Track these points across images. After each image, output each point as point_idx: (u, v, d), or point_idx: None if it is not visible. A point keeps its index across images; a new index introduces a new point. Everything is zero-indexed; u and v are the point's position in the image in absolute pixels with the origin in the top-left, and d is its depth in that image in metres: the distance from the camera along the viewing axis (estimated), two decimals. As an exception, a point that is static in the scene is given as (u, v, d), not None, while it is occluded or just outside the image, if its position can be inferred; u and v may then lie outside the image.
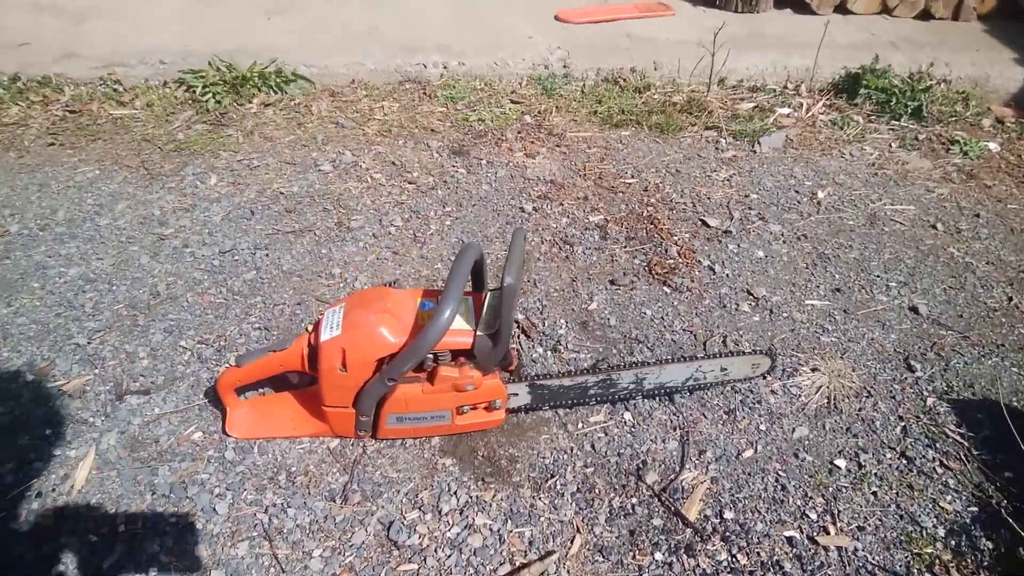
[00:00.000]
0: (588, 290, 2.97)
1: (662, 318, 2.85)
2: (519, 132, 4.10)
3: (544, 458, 2.27)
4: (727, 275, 3.10)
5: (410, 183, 3.63)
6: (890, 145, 4.18)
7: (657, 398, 2.47)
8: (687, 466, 2.26)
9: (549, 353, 2.66)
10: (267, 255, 3.10)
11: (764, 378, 2.54)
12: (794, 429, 2.41)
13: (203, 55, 4.39)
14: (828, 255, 3.26)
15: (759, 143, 4.07)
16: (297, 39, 4.63)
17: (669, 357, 2.31)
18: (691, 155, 3.99)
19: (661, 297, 2.96)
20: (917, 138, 4.25)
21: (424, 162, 3.79)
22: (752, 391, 2.53)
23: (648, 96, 4.42)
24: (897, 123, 4.34)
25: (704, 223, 3.43)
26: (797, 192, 3.72)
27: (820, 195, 3.69)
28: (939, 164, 4.04)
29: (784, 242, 3.34)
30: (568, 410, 2.43)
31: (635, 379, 2.30)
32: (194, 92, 4.23)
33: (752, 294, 3.00)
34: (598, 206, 3.51)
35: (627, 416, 2.42)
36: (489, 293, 2.21)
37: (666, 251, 3.22)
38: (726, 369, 2.35)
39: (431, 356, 2.11)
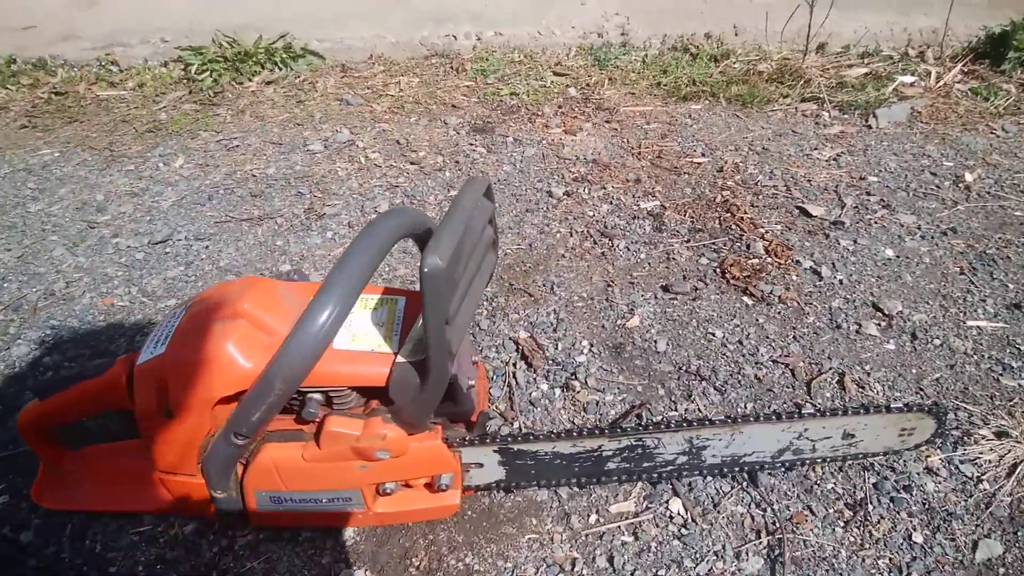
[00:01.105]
0: (628, 299, 1.93)
1: (740, 342, 1.77)
2: (560, 107, 3.10)
3: (524, 578, 1.25)
4: (841, 281, 1.99)
5: (412, 164, 2.69)
6: (1058, 120, 2.94)
7: (729, 475, 1.41)
8: (781, 609, 1.18)
9: (558, 392, 1.64)
10: (206, 247, 2.22)
11: (916, 449, 1.42)
12: (975, 543, 1.29)
13: (209, 31, 3.65)
14: (991, 256, 2.09)
15: (875, 116, 2.92)
16: (314, 9, 3.81)
17: (751, 415, 1.23)
18: (783, 131, 2.88)
19: (739, 311, 1.88)
20: (1096, 111, 2.99)
21: (436, 140, 2.86)
22: (895, 468, 1.42)
23: (726, 65, 3.34)
24: (1065, 94, 3.09)
25: (804, 212, 2.32)
26: (934, 175, 2.55)
27: (968, 178, 2.50)
28: None
29: (923, 238, 2.19)
30: (573, 488, 1.40)
31: (688, 448, 1.24)
32: (190, 71, 3.48)
33: (881, 310, 1.87)
34: (653, 190, 2.46)
35: (675, 506, 1.36)
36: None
37: (748, 247, 2.13)
38: (853, 436, 1.26)
39: (316, 398, 1.14)
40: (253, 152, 2.84)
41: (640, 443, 1.22)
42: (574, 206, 2.37)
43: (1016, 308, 1.87)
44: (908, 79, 3.18)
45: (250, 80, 3.44)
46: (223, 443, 1.12)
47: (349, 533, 1.32)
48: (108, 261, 2.19)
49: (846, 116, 2.98)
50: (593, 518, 1.34)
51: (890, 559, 1.26)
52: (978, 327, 1.81)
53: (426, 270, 0.93)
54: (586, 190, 2.46)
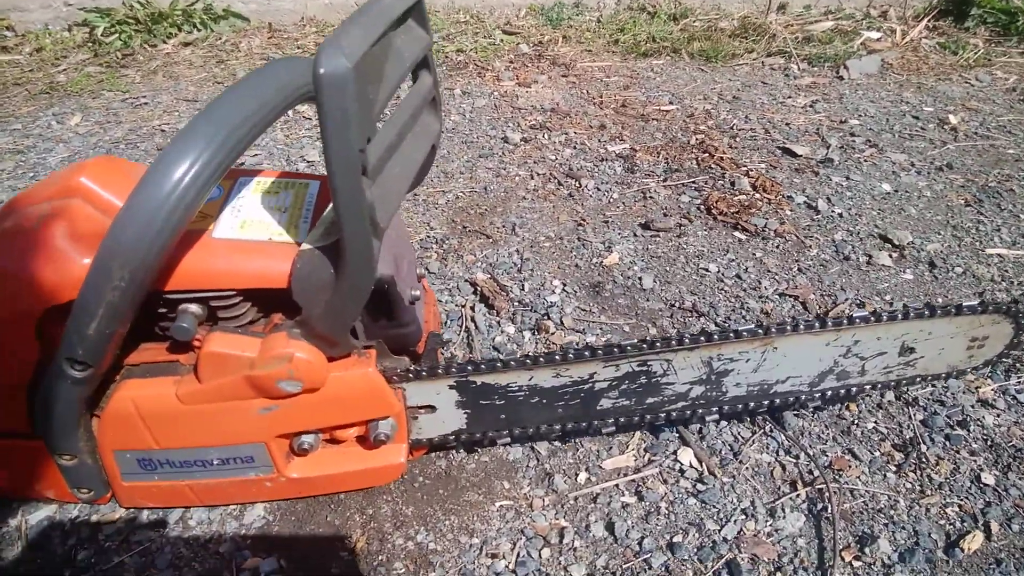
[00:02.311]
0: (604, 238, 1.63)
1: (738, 276, 1.49)
2: (511, 62, 2.81)
3: (496, 558, 0.92)
4: (840, 215, 1.73)
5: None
6: (1028, 71, 2.80)
7: (747, 419, 1.12)
8: (836, 573, 0.89)
9: (527, 335, 1.32)
10: (98, 200, 1.84)
11: (973, 373, 1.16)
12: (1055, 484, 1.02)
13: (119, -5, 3.24)
14: (995, 189, 1.87)
15: (846, 68, 2.72)
16: (238, -25, 3.45)
17: (786, 323, 0.93)
18: (751, 83, 2.65)
19: (732, 246, 1.60)
20: (1063, 63, 2.86)
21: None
22: (943, 402, 1.15)
23: (686, 23, 3.11)
24: (1030, 47, 2.96)
25: (787, 152, 2.07)
26: (916, 118, 2.34)
27: (953, 121, 2.30)
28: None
29: (918, 173, 1.96)
30: (556, 443, 1.08)
31: (706, 374, 0.94)
32: (95, 33, 3.07)
33: (891, 240, 1.62)
34: (620, 135, 2.18)
35: (685, 457, 1.06)
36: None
37: (732, 184, 1.86)
38: (912, 350, 0.98)
39: (193, 311, 0.80)
40: (163, 109, 2.45)
41: (644, 369, 0.91)
42: (533, 151, 2.07)
43: (1034, 236, 1.65)
44: (874, 35, 3.01)
45: (165, 42, 3.05)
46: (57, 377, 0.76)
47: (259, 511, 0.97)
48: (-27, 218, 1.78)
49: (816, 68, 2.77)
50: (583, 477, 1.02)
51: (960, 506, 0.98)
52: (999, 254, 1.57)
53: (322, 70, 0.61)
54: (546, 136, 2.17)
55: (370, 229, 0.70)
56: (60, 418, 0.81)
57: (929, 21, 3.14)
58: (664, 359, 0.90)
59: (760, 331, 0.90)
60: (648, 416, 0.97)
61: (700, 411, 0.98)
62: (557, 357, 0.88)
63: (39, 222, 0.76)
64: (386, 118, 0.79)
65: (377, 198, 0.70)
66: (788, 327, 0.90)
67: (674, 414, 0.98)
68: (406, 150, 0.83)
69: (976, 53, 2.90)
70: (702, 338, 0.89)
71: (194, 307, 0.79)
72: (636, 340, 0.89)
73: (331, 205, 0.83)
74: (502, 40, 2.99)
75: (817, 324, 0.91)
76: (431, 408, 0.92)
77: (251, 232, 0.79)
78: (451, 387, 0.90)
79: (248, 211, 0.82)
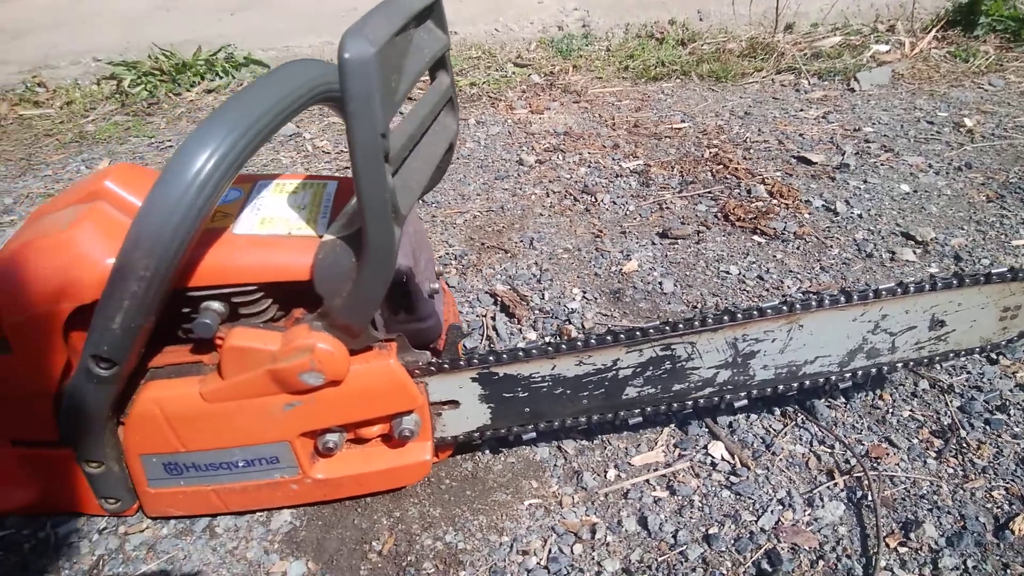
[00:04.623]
0: (622, 247, 1.62)
1: (760, 277, 1.47)
2: (523, 92, 2.86)
3: (527, 555, 0.89)
4: (860, 215, 1.71)
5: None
6: (1041, 75, 2.78)
7: (776, 409, 1.09)
8: (881, 563, 0.85)
9: (549, 340, 1.31)
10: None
11: (1008, 350, 1.12)
12: (1107, 466, 0.97)
13: (145, 49, 3.38)
14: (1016, 185, 1.84)
15: (856, 80, 2.73)
16: (256, 26, 3.60)
17: (811, 298, 0.91)
18: (763, 99, 2.66)
19: (752, 249, 1.59)
20: (1076, 67, 2.84)
21: (391, 127, 2.58)
22: (979, 387, 1.12)
23: (695, 47, 3.15)
24: (1041, 53, 2.96)
25: (802, 160, 2.06)
26: (931, 123, 2.33)
27: (968, 123, 2.29)
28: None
29: (937, 174, 1.94)
30: (581, 440, 1.06)
31: (732, 356, 0.92)
32: (122, 85, 3.19)
33: (913, 237, 1.59)
34: (634, 152, 2.19)
35: (716, 451, 1.03)
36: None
37: (748, 192, 1.85)
38: (943, 323, 0.95)
39: (214, 308, 0.80)
40: (188, 151, 2.52)
41: (668, 353, 0.89)
42: (548, 171, 2.08)
43: (1062, 227, 1.61)
44: (883, 48, 3.02)
45: (188, 90, 3.15)
46: (82, 378, 0.77)
47: (285, 517, 0.95)
48: (6, 257, 1.83)
49: (826, 82, 2.78)
50: (612, 474, 1.00)
51: (1007, 489, 0.94)
52: (1026, 246, 1.54)
53: (347, 54, 0.62)
54: (560, 157, 2.19)
55: (391, 215, 0.70)
56: (87, 421, 0.81)
57: (938, 32, 3.15)
58: (688, 342, 0.89)
59: (784, 308, 0.88)
60: (675, 404, 0.95)
61: (728, 397, 0.95)
62: (579, 344, 0.87)
63: (64, 225, 0.77)
64: (405, 114, 0.81)
65: (398, 187, 0.71)
66: (813, 302, 0.89)
67: (702, 401, 0.95)
68: (425, 145, 0.84)
69: (987, 60, 2.89)
70: (725, 318, 0.88)
71: (216, 304, 0.79)
72: (658, 323, 0.87)
73: (351, 199, 0.84)
74: (514, 72, 3.05)
75: (843, 298, 0.89)
76: (454, 403, 0.91)
77: (271, 228, 0.80)
78: (473, 379, 0.89)
79: (268, 209, 0.83)
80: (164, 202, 0.66)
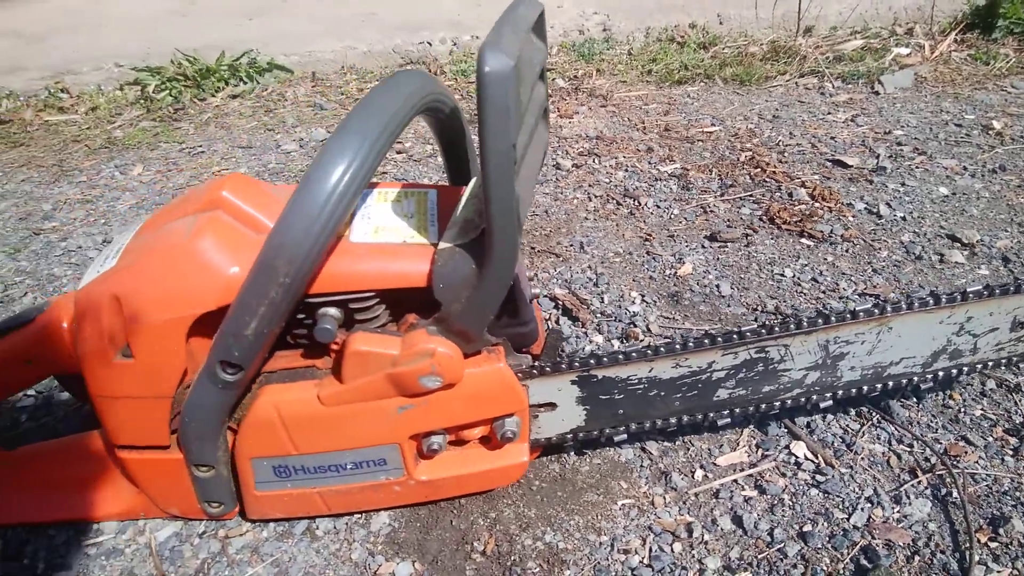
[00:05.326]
0: (672, 251, 1.65)
1: (814, 280, 1.50)
2: (549, 96, 2.89)
3: (628, 554, 0.91)
4: (903, 218, 1.74)
5: (399, 153, 2.42)
6: (1062, 77, 2.83)
7: (852, 409, 1.11)
8: (977, 558, 0.87)
9: (616, 344, 1.33)
10: (172, 241, 1.90)
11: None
12: None
13: (167, 55, 3.39)
14: (1053, 188, 1.88)
15: (880, 83, 2.76)
16: (276, 31, 3.61)
17: (900, 300, 0.93)
18: (788, 102, 2.69)
19: (802, 252, 1.61)
20: (1096, 68, 2.89)
21: (422, 132, 2.59)
22: (1048, 387, 1.14)
23: (716, 51, 3.18)
24: (1060, 55, 3.00)
25: (838, 163, 2.09)
26: (959, 126, 2.37)
27: (997, 126, 2.32)
28: None
29: (972, 176, 1.97)
30: (664, 442, 1.09)
31: (823, 358, 0.94)
32: (147, 91, 3.20)
33: (959, 239, 1.62)
34: (670, 156, 2.22)
35: (799, 450, 1.05)
36: (473, 181, 0.95)
37: (790, 195, 1.88)
38: (1023, 325, 0.98)
39: (332, 314, 0.82)
40: (221, 156, 2.54)
41: (762, 355, 0.91)
42: (586, 175, 2.11)
43: (1104, 229, 1.64)
44: (904, 51, 3.06)
45: (213, 96, 3.17)
46: (206, 382, 0.79)
47: (383, 519, 0.97)
48: (56, 263, 1.84)
49: (850, 85, 2.82)
50: (699, 474, 1.02)
51: (1089, 488, 0.97)
52: (1072, 247, 1.57)
53: (487, 68, 0.65)
54: (596, 161, 2.21)
55: (516, 224, 0.72)
56: (206, 426, 0.83)
57: (957, 35, 3.19)
58: (782, 344, 0.91)
59: (876, 310, 0.91)
60: (763, 406, 0.98)
61: (814, 398, 0.98)
62: (677, 346, 0.90)
63: (187, 235, 0.79)
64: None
65: (519, 195, 0.73)
66: (903, 305, 0.91)
67: (788, 402, 0.98)
68: (530, 155, 0.86)
69: (1008, 62, 2.94)
70: (820, 320, 0.90)
71: (333, 310, 0.81)
72: (756, 325, 0.90)
73: (456, 211, 0.86)
74: (538, 76, 3.07)
75: (931, 301, 0.91)
76: (551, 405, 0.94)
77: (386, 236, 0.82)
78: (573, 382, 0.91)
79: (378, 218, 0.85)
80: (307, 211, 0.68)
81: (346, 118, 0.74)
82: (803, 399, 0.98)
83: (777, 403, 0.98)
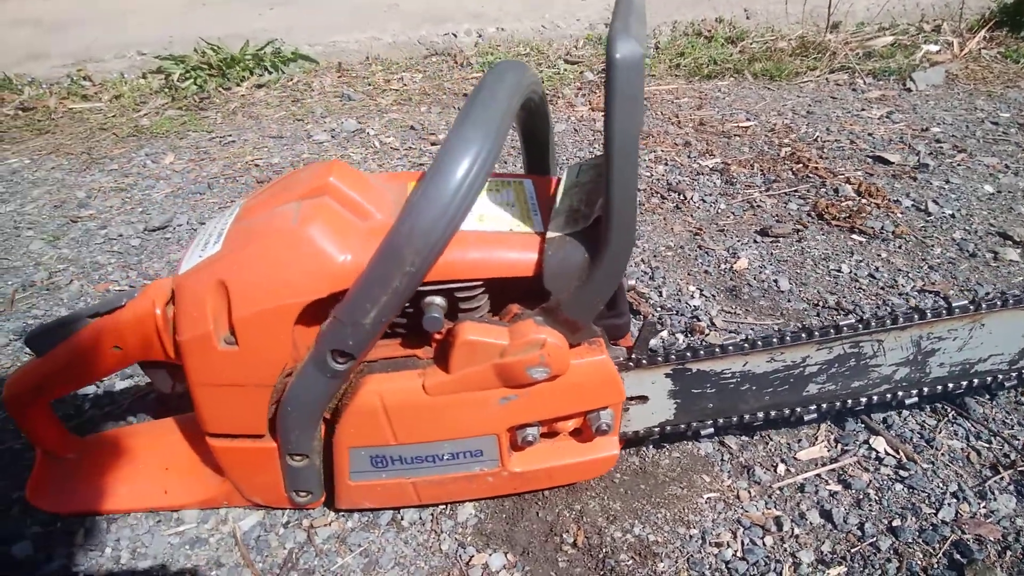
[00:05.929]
0: (725, 245, 1.65)
1: (871, 276, 1.50)
2: (580, 88, 2.88)
3: (721, 547, 0.92)
4: (952, 215, 1.75)
5: (434, 145, 2.41)
6: (1092, 76, 2.83)
7: (927, 406, 1.12)
8: (1069, 555, 0.88)
9: (681, 337, 1.34)
10: (215, 230, 1.89)
11: None
12: None
13: (190, 43, 3.37)
14: (1098, 187, 1.89)
15: (912, 80, 2.76)
16: (297, 21, 3.59)
17: (994, 298, 0.93)
18: (820, 98, 2.69)
19: (855, 248, 1.62)
20: (1124, 68, 2.90)
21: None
22: (1121, 386, 1.15)
23: (744, 45, 3.18)
24: (1089, 54, 3.00)
25: (880, 160, 2.09)
26: (995, 124, 2.37)
27: (1033, 124, 2.34)
28: None
29: (1016, 175, 1.98)
30: (742, 436, 1.09)
31: (914, 354, 0.95)
32: (171, 79, 3.18)
33: (1011, 237, 1.63)
34: (709, 150, 2.22)
35: (879, 445, 1.06)
36: (567, 171, 0.94)
37: (836, 191, 1.89)
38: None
39: (438, 303, 0.82)
40: (252, 146, 2.53)
41: (856, 350, 0.92)
42: (627, 169, 2.11)
43: None
44: (934, 48, 3.06)
45: (238, 85, 3.15)
46: (314, 371, 0.79)
47: (469, 510, 0.97)
48: (97, 250, 1.83)
49: (881, 82, 2.82)
50: (781, 469, 1.03)
51: None
52: (1126, 246, 1.58)
53: (618, 55, 0.64)
54: (635, 155, 2.21)
55: (635, 211, 0.72)
56: (305, 416, 0.83)
57: (986, 32, 3.19)
58: (876, 339, 0.91)
59: (971, 307, 0.91)
60: (849, 402, 0.98)
61: (900, 394, 0.98)
62: (774, 340, 0.90)
63: (295, 220, 0.79)
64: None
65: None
66: (998, 302, 0.91)
67: (875, 398, 0.98)
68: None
69: (1037, 61, 2.94)
70: (915, 316, 0.90)
71: (439, 299, 0.81)
72: (853, 320, 0.90)
73: (556, 202, 0.86)
74: (565, 69, 3.07)
75: (1034, 296, 0.92)
76: (643, 398, 0.94)
77: (491, 224, 0.82)
78: (667, 375, 0.91)
79: (480, 207, 0.85)
80: (438, 199, 0.68)
81: (465, 109, 0.74)
82: (889, 395, 0.98)
83: (863, 399, 0.98)
